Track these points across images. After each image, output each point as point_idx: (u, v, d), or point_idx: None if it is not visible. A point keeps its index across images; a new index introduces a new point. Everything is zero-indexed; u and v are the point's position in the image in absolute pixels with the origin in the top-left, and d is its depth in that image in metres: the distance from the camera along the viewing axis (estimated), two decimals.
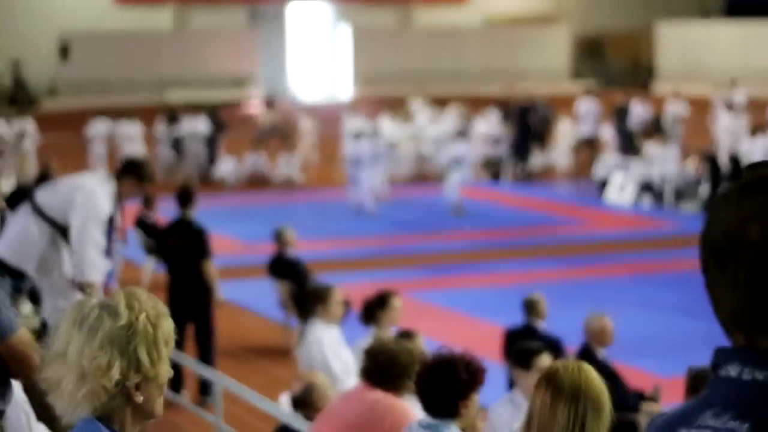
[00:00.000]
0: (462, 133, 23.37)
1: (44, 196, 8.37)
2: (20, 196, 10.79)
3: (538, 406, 3.59)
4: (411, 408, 5.53)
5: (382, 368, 5.62)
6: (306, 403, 6.48)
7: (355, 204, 22.22)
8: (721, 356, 1.68)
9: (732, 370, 1.65)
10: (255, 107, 34.24)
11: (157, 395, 2.52)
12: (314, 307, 8.62)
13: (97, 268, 8.18)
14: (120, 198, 8.42)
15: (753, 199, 1.64)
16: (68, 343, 2.48)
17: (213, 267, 11.17)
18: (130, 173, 8.40)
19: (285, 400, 8.35)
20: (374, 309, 8.53)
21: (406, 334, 7.57)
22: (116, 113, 27.49)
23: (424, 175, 27.66)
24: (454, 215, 21.81)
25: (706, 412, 1.66)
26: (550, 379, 3.62)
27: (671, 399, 10.20)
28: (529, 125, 27.38)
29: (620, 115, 26.52)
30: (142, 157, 12.17)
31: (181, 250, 11.22)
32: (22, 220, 8.24)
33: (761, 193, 1.64)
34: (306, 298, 8.75)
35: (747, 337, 1.64)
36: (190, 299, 10.95)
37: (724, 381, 1.65)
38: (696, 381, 6.33)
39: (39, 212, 8.23)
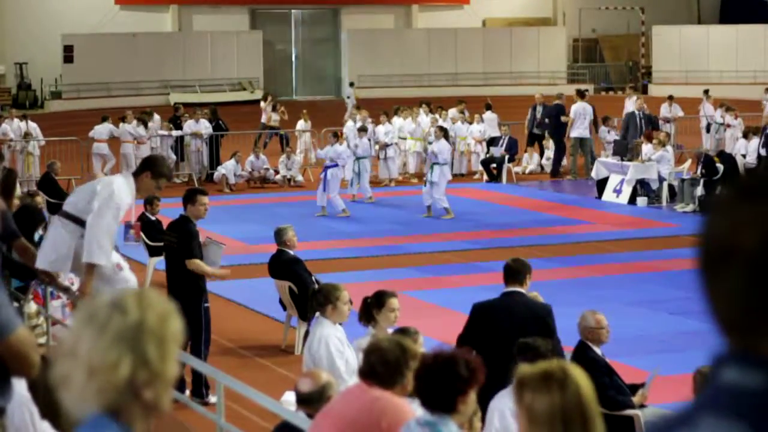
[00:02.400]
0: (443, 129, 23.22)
1: (69, 199, 8.83)
2: (27, 213, 10.85)
3: (524, 409, 3.50)
4: (410, 407, 5.56)
5: (374, 365, 5.67)
6: (316, 401, 6.51)
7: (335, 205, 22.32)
8: (718, 360, 1.66)
9: (730, 375, 1.64)
10: (256, 108, 34.30)
11: (164, 392, 2.51)
12: (323, 306, 8.64)
13: (104, 251, 8.44)
14: (138, 193, 8.92)
15: (749, 205, 1.61)
16: (78, 339, 2.48)
17: (196, 264, 11.05)
18: (145, 169, 8.86)
19: (287, 397, 8.44)
20: (372, 309, 8.57)
21: (404, 331, 7.65)
22: (119, 115, 27.60)
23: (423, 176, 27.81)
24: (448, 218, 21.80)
25: (705, 416, 1.64)
26: (532, 383, 3.55)
27: (670, 396, 10.31)
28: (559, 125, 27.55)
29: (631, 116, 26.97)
30: (159, 155, 12.59)
31: (171, 248, 11.35)
32: (53, 228, 8.69)
33: (757, 199, 1.61)
34: (314, 297, 8.77)
35: (743, 341, 1.63)
36: (179, 297, 10.98)
37: (722, 385, 1.64)
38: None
39: (66, 215, 8.62)
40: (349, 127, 26.91)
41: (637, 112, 26.91)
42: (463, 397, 4.87)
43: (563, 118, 27.66)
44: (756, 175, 1.66)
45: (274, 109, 31.43)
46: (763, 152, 23.39)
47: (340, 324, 8.77)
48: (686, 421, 1.67)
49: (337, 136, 23.44)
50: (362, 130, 25.14)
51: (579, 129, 27.04)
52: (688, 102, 32.46)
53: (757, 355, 1.62)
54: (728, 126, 29.38)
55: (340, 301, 8.59)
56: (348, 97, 37.95)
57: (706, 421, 1.64)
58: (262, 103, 32.74)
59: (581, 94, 27.87)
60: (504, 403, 7.24)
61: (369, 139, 26.62)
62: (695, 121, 32.06)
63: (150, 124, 27.46)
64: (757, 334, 1.61)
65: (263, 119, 32.14)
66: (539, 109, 29.28)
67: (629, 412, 8.85)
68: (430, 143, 27.55)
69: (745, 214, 1.60)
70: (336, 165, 22.48)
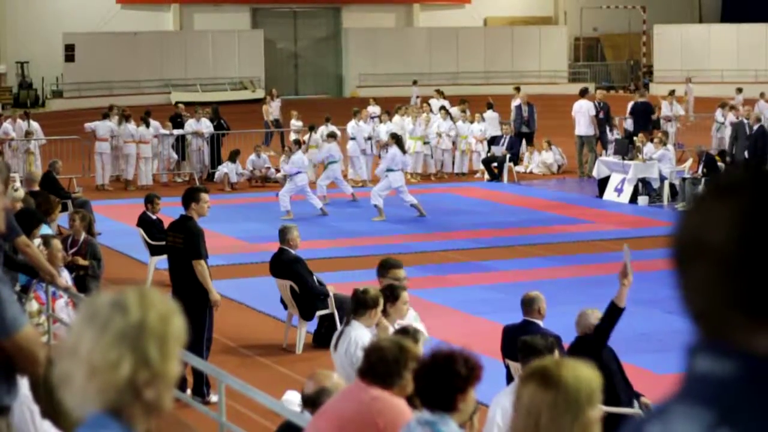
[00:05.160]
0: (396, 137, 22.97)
1: None
2: (28, 215, 10.86)
3: (523, 403, 3.36)
4: (408, 408, 5.56)
5: (374, 364, 5.70)
6: (316, 403, 6.54)
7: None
8: (691, 352, 1.72)
9: (702, 365, 1.69)
10: (258, 107, 34.34)
11: (166, 392, 2.51)
12: (366, 309, 8.62)
13: None
14: None
15: (723, 203, 1.67)
16: (79, 338, 2.47)
17: (203, 267, 11.07)
18: None
19: (288, 397, 8.44)
20: (385, 302, 8.63)
21: (404, 331, 7.66)
22: (121, 114, 27.53)
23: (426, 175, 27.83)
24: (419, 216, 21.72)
25: (677, 406, 1.70)
26: (524, 377, 3.42)
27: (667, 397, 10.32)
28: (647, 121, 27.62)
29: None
30: None
31: (176, 248, 11.36)
32: None
33: (732, 196, 1.66)
34: (360, 299, 8.74)
35: (714, 332, 1.69)
36: (185, 296, 10.98)
37: (694, 375, 1.70)
38: None
39: None
40: (352, 125, 26.87)
41: (746, 121, 25.79)
42: (463, 396, 4.87)
43: (654, 116, 28.02)
44: (728, 175, 1.72)
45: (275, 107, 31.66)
46: (746, 154, 23.47)
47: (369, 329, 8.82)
48: (660, 413, 1.73)
49: (299, 144, 23.42)
50: (331, 135, 24.94)
51: (582, 127, 27.07)
52: (696, 101, 32.47)
53: (727, 344, 1.67)
54: (731, 124, 29.43)
55: (377, 309, 8.62)
56: (417, 97, 37.80)
57: (678, 411, 1.69)
58: (268, 99, 33.29)
59: (584, 93, 27.93)
60: (507, 399, 7.25)
61: (369, 138, 26.63)
62: (698, 119, 32.10)
63: (152, 123, 27.47)
64: (727, 325, 1.67)
65: (272, 117, 32.46)
66: (524, 108, 29.45)
67: (630, 411, 8.85)
68: (426, 143, 27.68)
69: (715, 212, 1.67)
70: (300, 172, 22.33)
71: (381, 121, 27.95)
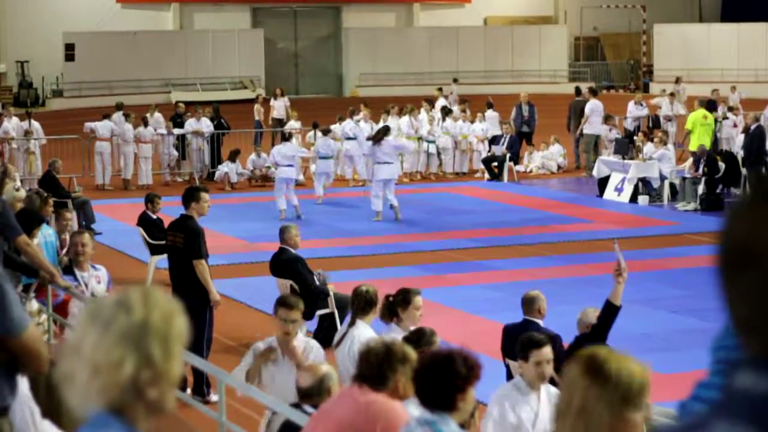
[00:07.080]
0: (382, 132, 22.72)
1: None
2: (28, 215, 10.87)
3: (565, 383, 3.29)
4: (404, 411, 5.55)
5: (361, 367, 5.70)
6: (317, 393, 6.54)
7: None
8: (734, 364, 1.67)
9: (744, 380, 1.64)
10: (258, 106, 34.30)
11: (168, 391, 2.52)
12: (368, 309, 8.61)
13: None
14: None
15: None
16: (83, 337, 2.48)
17: (204, 267, 11.12)
18: None
19: None
20: (397, 307, 8.56)
21: (420, 331, 7.64)
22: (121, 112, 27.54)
23: (425, 174, 27.83)
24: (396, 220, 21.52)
25: (718, 421, 1.65)
26: (579, 361, 3.28)
27: (668, 396, 10.33)
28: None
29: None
30: None
31: (176, 247, 11.36)
32: None
33: None
34: (362, 299, 8.72)
35: (759, 344, 1.63)
36: (185, 296, 10.97)
37: (736, 390, 1.65)
38: None
39: None
40: (352, 126, 26.82)
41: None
42: (463, 395, 4.88)
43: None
44: None
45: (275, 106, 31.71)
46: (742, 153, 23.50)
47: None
48: (700, 426, 1.68)
49: (284, 137, 23.39)
50: (326, 132, 24.94)
51: (594, 126, 27.09)
52: (690, 101, 32.44)
53: None
54: (735, 125, 29.46)
55: (377, 308, 8.62)
56: (452, 93, 37.75)
57: (718, 427, 1.64)
58: (263, 108, 33.16)
59: (594, 92, 28.03)
60: (503, 395, 7.29)
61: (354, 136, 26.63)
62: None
63: (150, 120, 27.45)
64: None
65: (275, 115, 32.52)
66: (525, 108, 29.50)
67: None
68: (431, 142, 27.67)
69: (766, 217, 1.61)
70: (280, 165, 22.19)
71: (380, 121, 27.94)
